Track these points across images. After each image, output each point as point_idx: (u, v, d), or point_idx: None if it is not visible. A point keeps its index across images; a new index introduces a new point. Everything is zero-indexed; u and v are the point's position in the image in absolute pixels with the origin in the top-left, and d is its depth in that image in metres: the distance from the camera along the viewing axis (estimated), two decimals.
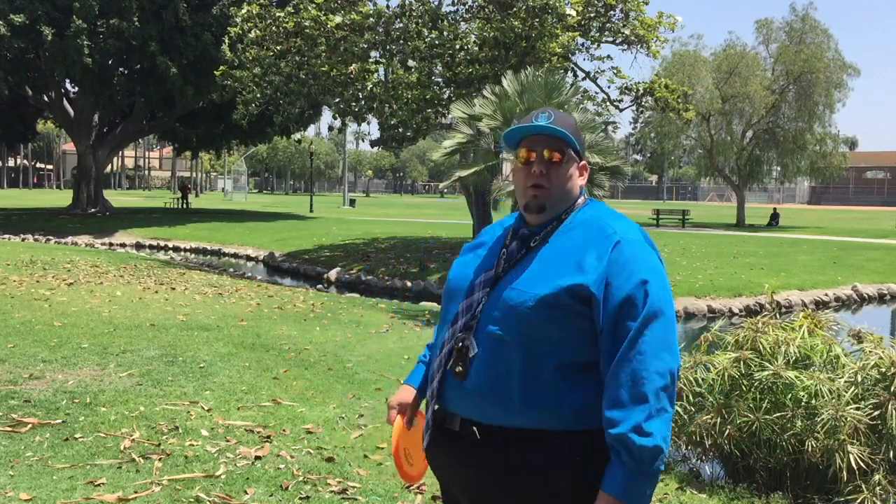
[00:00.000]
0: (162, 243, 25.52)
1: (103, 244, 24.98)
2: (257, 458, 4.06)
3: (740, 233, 29.95)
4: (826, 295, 15.43)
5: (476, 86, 14.94)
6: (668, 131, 35.63)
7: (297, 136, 40.73)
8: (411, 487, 3.83)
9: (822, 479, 4.24)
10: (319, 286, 16.56)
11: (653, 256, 1.79)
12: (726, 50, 35.16)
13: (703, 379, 4.59)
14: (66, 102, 33.64)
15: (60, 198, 45.26)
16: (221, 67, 19.07)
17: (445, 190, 55.22)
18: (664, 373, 1.67)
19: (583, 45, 18.21)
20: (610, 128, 21.45)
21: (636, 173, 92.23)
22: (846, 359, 4.53)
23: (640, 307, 1.68)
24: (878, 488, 4.04)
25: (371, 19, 16.38)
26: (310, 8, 16.45)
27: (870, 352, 4.48)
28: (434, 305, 12.72)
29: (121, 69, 31.16)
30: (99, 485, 3.60)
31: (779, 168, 38.96)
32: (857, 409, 4.14)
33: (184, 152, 47.33)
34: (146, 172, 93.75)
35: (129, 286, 10.91)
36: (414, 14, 16.35)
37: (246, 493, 3.61)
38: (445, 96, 17.21)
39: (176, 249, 24.85)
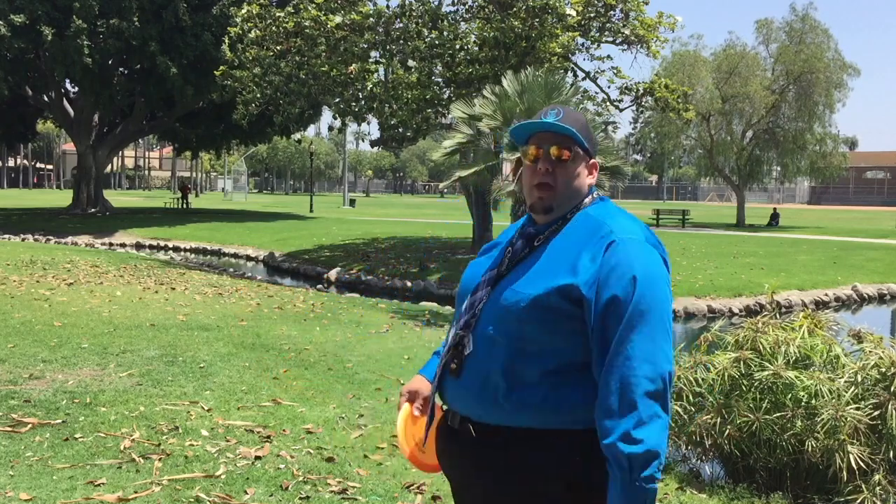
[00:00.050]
0: (162, 243, 25.51)
1: (103, 244, 24.98)
2: (257, 458, 4.06)
3: (740, 233, 29.95)
4: (826, 295, 15.43)
5: (476, 86, 14.94)
6: (668, 131, 35.63)
7: (297, 136, 40.74)
8: (411, 487, 3.83)
9: (822, 479, 4.24)
10: (319, 286, 16.57)
11: (650, 256, 1.73)
12: (726, 50, 35.16)
13: (703, 379, 4.59)
14: (66, 102, 33.64)
15: (60, 198, 45.26)
16: (221, 67, 19.07)
17: (445, 190, 55.21)
18: (655, 377, 1.62)
19: (583, 45, 18.21)
20: (610, 128, 21.46)
21: (636, 173, 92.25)
22: (846, 359, 4.53)
23: (627, 309, 1.64)
24: (878, 488, 4.04)
25: (371, 19, 16.38)
26: (310, 8, 16.45)
27: (870, 352, 4.48)
28: (434, 305, 12.72)
29: (121, 69, 31.16)
30: (99, 485, 3.60)
31: (779, 168, 38.96)
32: (857, 409, 4.14)
33: (184, 152, 47.35)
34: (146, 172, 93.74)
35: (129, 286, 10.91)
36: (414, 14, 16.35)
37: (246, 493, 3.61)
38: (445, 96, 17.21)
39: (176, 249, 24.85)
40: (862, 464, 4.02)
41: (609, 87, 20.80)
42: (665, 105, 18.47)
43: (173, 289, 10.94)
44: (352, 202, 49.89)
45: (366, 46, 16.86)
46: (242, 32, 17.77)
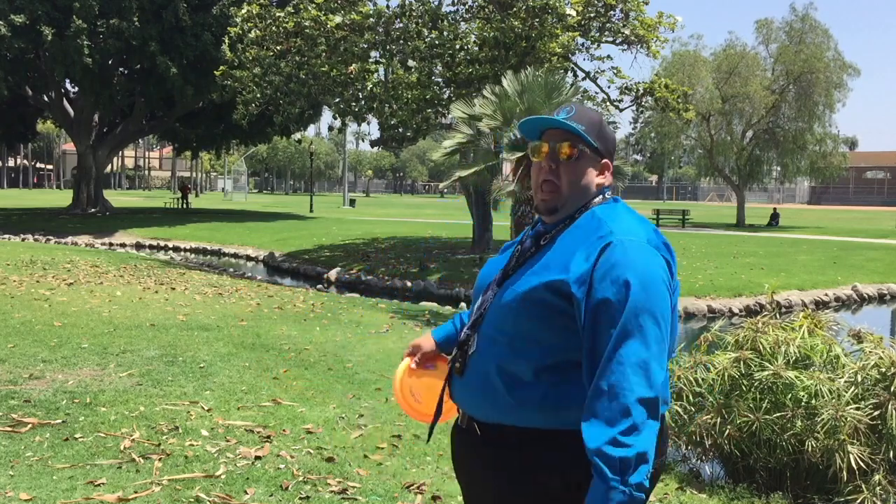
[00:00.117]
0: (162, 243, 25.51)
1: (103, 244, 24.98)
2: (257, 458, 4.06)
3: (740, 233, 29.95)
4: (826, 295, 15.43)
5: (476, 86, 14.94)
6: (668, 131, 35.63)
7: (297, 136, 40.75)
8: (411, 487, 3.83)
9: (822, 479, 4.24)
10: (319, 286, 16.56)
11: (649, 259, 1.68)
12: (726, 50, 35.16)
13: (703, 379, 4.59)
14: (66, 102, 33.64)
15: (60, 198, 45.26)
16: (221, 67, 19.07)
17: (445, 190, 55.23)
18: (648, 384, 1.58)
19: (583, 45, 18.22)
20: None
21: (636, 173, 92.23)
22: (846, 359, 4.53)
23: (621, 313, 1.60)
24: (878, 488, 4.04)
25: (371, 19, 16.38)
26: (310, 8, 16.45)
27: (870, 352, 4.48)
28: (434, 305, 12.72)
29: (121, 69, 31.17)
30: (99, 485, 3.60)
31: (779, 168, 38.95)
32: (857, 409, 4.14)
33: (184, 152, 47.36)
34: (146, 172, 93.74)
35: (129, 286, 10.91)
36: (414, 14, 16.35)
37: (246, 493, 3.61)
38: (445, 96, 17.21)
39: (176, 249, 24.85)
40: (862, 464, 4.02)
41: (609, 87, 20.87)
42: (665, 105, 18.47)
43: (173, 289, 10.94)
44: (352, 202, 49.89)
45: (366, 46, 16.86)
46: (242, 32, 17.78)
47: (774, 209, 38.47)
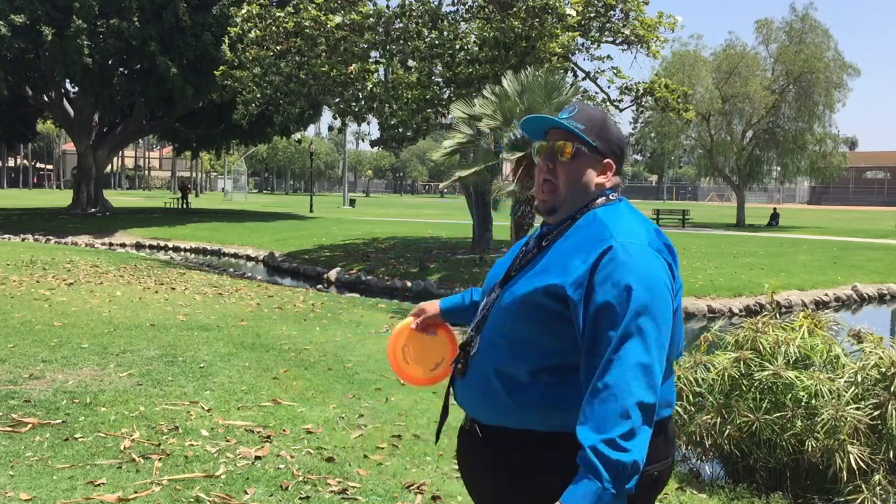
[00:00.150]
0: (162, 243, 25.51)
1: (103, 244, 24.98)
2: (257, 458, 4.06)
3: (740, 233, 29.95)
4: (826, 295, 15.43)
5: (476, 86, 14.94)
6: (668, 131, 35.62)
7: (297, 136, 40.75)
8: (411, 487, 3.83)
9: (822, 479, 4.24)
10: (319, 286, 16.56)
11: (651, 262, 1.66)
12: (726, 50, 35.16)
13: (703, 379, 4.59)
14: (66, 102, 33.64)
15: (60, 198, 45.26)
16: (221, 67, 19.07)
17: (445, 190, 55.22)
18: (648, 389, 1.56)
19: (583, 45, 18.22)
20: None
21: (636, 173, 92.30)
22: (846, 359, 4.53)
23: (621, 317, 1.59)
24: (878, 488, 4.04)
25: (371, 19, 16.38)
26: (310, 8, 16.45)
27: (870, 352, 4.48)
28: None
29: (121, 69, 31.17)
30: (99, 485, 3.60)
31: (779, 168, 38.95)
32: (857, 409, 4.14)
33: (184, 152, 47.37)
34: (146, 172, 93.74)
35: (129, 286, 10.91)
36: (414, 14, 16.35)
37: (246, 493, 3.61)
38: (445, 96, 17.21)
39: (176, 249, 24.85)
40: (862, 464, 4.02)
41: (609, 87, 20.87)
42: (665, 105, 18.47)
43: (173, 289, 10.94)
44: (352, 202, 49.89)
45: (366, 46, 16.86)
46: (242, 32, 17.78)
47: (774, 209, 38.48)
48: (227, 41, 19.98)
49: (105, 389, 5.19)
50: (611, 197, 1.83)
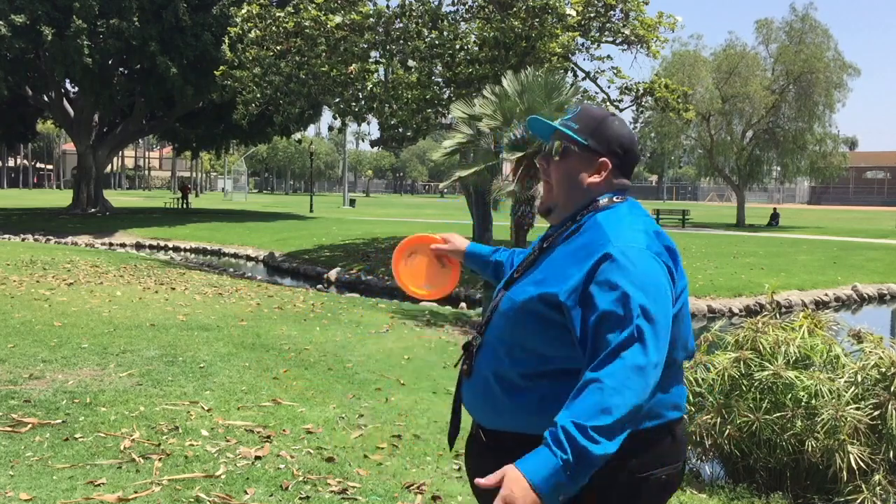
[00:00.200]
0: (162, 243, 25.51)
1: (103, 244, 24.97)
2: (257, 458, 4.06)
3: (740, 233, 29.95)
4: (826, 295, 15.44)
5: (476, 86, 14.93)
6: (668, 131, 35.63)
7: (297, 136, 40.73)
8: (411, 487, 3.83)
9: (822, 479, 4.24)
10: (319, 286, 16.57)
11: (649, 267, 1.63)
12: (726, 50, 35.16)
13: (703, 379, 4.59)
14: (66, 102, 33.64)
15: (60, 198, 45.25)
16: (221, 67, 19.06)
17: (445, 190, 55.20)
18: (639, 390, 1.53)
19: (583, 45, 18.20)
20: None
21: (636, 173, 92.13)
22: (846, 359, 4.53)
23: (620, 322, 1.56)
24: (878, 488, 4.04)
25: (371, 19, 16.37)
26: (310, 8, 16.44)
27: (870, 352, 4.48)
28: (434, 305, 12.71)
29: (121, 69, 31.17)
30: (99, 485, 3.60)
31: (779, 168, 38.96)
32: (857, 409, 4.14)
33: (184, 152, 47.36)
34: (146, 172, 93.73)
35: (129, 286, 10.91)
36: (414, 14, 16.34)
37: (246, 493, 3.61)
38: (445, 96, 17.20)
39: (176, 249, 24.85)
40: (862, 464, 4.02)
41: (609, 87, 20.88)
42: (665, 105, 18.46)
43: (173, 289, 10.94)
44: (352, 202, 49.89)
45: (366, 46, 16.85)
46: (242, 32, 17.77)
47: (774, 209, 38.47)
48: (227, 41, 19.96)
49: (105, 389, 5.19)
50: (614, 199, 1.80)
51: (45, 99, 32.56)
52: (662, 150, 43.35)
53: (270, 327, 8.18)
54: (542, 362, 1.71)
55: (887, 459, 4.17)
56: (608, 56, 19.42)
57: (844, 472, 4.03)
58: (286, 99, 18.20)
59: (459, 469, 4.17)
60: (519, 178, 9.60)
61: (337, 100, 18.44)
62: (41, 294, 9.44)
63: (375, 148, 30.67)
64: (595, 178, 1.81)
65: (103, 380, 5.45)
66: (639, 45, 17.77)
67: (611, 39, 18.19)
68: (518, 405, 1.72)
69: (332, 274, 18.06)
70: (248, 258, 22.81)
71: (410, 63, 16.95)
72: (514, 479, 1.51)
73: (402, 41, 16.47)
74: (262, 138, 37.16)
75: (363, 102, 17.84)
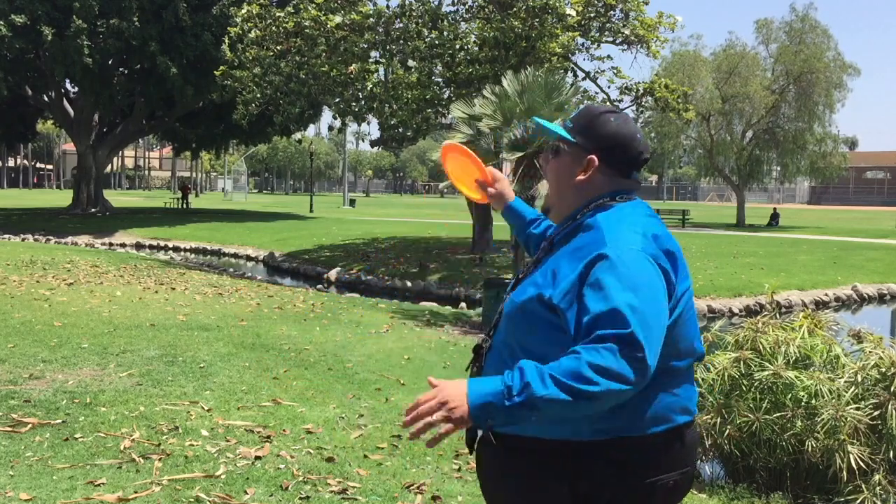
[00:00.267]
0: (162, 243, 25.51)
1: (103, 244, 24.97)
2: (257, 458, 4.06)
3: (740, 233, 29.95)
4: (826, 295, 15.44)
5: (476, 86, 14.94)
6: (668, 131, 35.62)
7: (297, 136, 40.76)
8: (411, 487, 3.83)
9: (822, 479, 4.24)
10: (319, 286, 16.57)
11: (642, 269, 1.61)
12: (726, 50, 35.17)
13: (703, 379, 4.59)
14: (66, 102, 33.65)
15: (60, 198, 45.25)
16: (221, 67, 19.07)
17: (445, 190, 55.19)
18: (615, 380, 1.49)
19: (583, 45, 18.21)
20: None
21: None
22: (846, 359, 4.53)
23: (611, 324, 1.53)
24: (878, 488, 4.04)
25: (371, 19, 16.38)
26: (310, 8, 16.45)
27: (870, 352, 4.48)
28: (434, 305, 12.72)
29: (121, 69, 31.17)
30: (99, 485, 3.60)
31: (779, 168, 38.96)
32: (857, 409, 4.14)
33: (183, 152, 47.37)
34: (146, 172, 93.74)
35: (129, 286, 10.91)
36: (414, 14, 16.34)
37: (246, 493, 3.61)
38: (445, 96, 17.21)
39: (176, 249, 24.86)
40: (862, 464, 4.02)
41: (609, 87, 20.86)
42: (665, 105, 18.47)
43: (173, 289, 10.94)
44: (352, 202, 49.89)
45: (366, 46, 16.86)
46: (242, 32, 17.77)
47: (774, 209, 38.48)
48: (227, 41, 19.98)
49: (105, 389, 5.19)
50: (617, 199, 1.78)
51: (45, 99, 32.57)
52: (662, 150, 43.31)
53: (270, 327, 8.19)
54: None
55: (887, 459, 4.17)
56: (608, 56, 19.43)
57: (844, 472, 4.03)
58: (286, 99, 18.20)
59: (459, 469, 4.17)
60: (519, 178, 9.59)
61: (337, 100, 18.45)
62: (41, 294, 9.44)
63: (375, 148, 30.68)
64: (581, 176, 1.79)
65: (103, 380, 5.45)
66: (639, 45, 17.78)
67: (611, 39, 18.20)
68: None
69: (332, 274, 18.06)
70: (248, 258, 22.81)
71: (410, 63, 16.95)
72: (456, 385, 1.56)
73: (402, 41, 16.47)
74: (262, 138, 37.17)
75: (363, 102, 17.84)
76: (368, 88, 17.46)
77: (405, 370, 6.64)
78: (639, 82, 18.71)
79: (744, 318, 8.23)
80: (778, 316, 4.96)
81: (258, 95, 17.97)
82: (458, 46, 16.04)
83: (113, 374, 5.62)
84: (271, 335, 7.70)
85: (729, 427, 4.34)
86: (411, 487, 3.82)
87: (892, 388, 4.21)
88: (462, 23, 17.24)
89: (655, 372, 1.68)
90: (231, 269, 18.93)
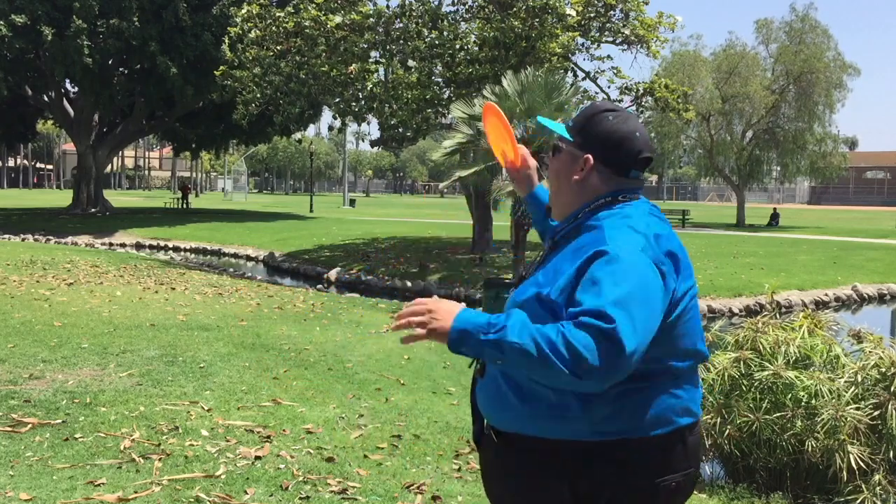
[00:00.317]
0: (162, 243, 25.51)
1: (103, 244, 24.98)
2: (257, 458, 4.06)
3: (740, 233, 29.95)
4: (826, 295, 15.43)
5: (476, 86, 14.94)
6: (668, 131, 35.63)
7: (297, 136, 40.76)
8: (411, 487, 3.83)
9: (822, 479, 4.24)
10: (319, 286, 16.57)
11: (638, 268, 1.60)
12: (726, 50, 35.17)
13: (703, 379, 4.59)
14: (66, 102, 33.65)
15: (60, 198, 45.26)
16: (221, 67, 19.08)
17: (445, 190, 55.23)
18: (591, 364, 1.49)
19: (583, 45, 18.21)
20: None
21: None
22: (846, 359, 4.53)
23: (599, 317, 1.52)
24: (878, 488, 4.04)
25: (371, 19, 16.38)
26: (310, 8, 16.45)
27: (870, 352, 4.48)
28: None
29: (121, 69, 31.18)
30: (99, 485, 3.60)
31: (779, 168, 38.97)
32: (857, 409, 4.14)
33: (183, 152, 47.39)
34: (146, 172, 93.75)
35: (129, 286, 10.91)
36: (414, 14, 16.34)
37: (246, 493, 3.61)
38: (445, 96, 17.21)
39: (176, 249, 24.86)
40: (862, 464, 4.02)
41: (609, 87, 20.86)
42: (665, 105, 18.47)
43: (173, 289, 10.94)
44: (352, 202, 49.90)
45: (366, 46, 16.86)
46: (242, 32, 17.78)
47: (774, 209, 38.48)
48: (227, 41, 19.98)
49: (105, 389, 5.19)
50: (620, 199, 1.77)
51: (45, 99, 32.57)
52: (662, 150, 43.31)
53: (270, 327, 8.18)
54: None
55: (887, 459, 4.17)
56: (608, 56, 19.43)
57: (844, 472, 4.03)
58: (286, 99, 18.21)
59: (459, 469, 4.17)
60: None
61: (337, 100, 18.45)
62: (41, 294, 9.44)
63: (375, 148, 30.69)
64: (577, 176, 1.79)
65: (103, 380, 5.45)
66: (639, 45, 17.78)
67: (611, 39, 18.20)
68: (527, 408, 1.71)
69: (332, 274, 18.06)
70: (248, 258, 22.81)
71: (410, 63, 16.95)
72: (451, 305, 1.65)
73: (402, 41, 16.47)
74: (262, 138, 37.17)
75: (363, 102, 17.84)
76: (368, 88, 17.47)
77: (405, 370, 6.64)
78: (639, 82, 18.71)
79: (744, 318, 8.24)
80: (778, 316, 4.96)
81: (258, 95, 17.97)
82: (458, 46, 16.04)
83: (113, 374, 5.62)
84: (271, 335, 7.70)
85: (729, 427, 4.34)
86: (411, 487, 3.82)
87: (892, 388, 4.21)
88: (462, 23, 17.24)
89: (656, 373, 1.68)
90: (231, 269, 18.93)
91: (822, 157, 35.70)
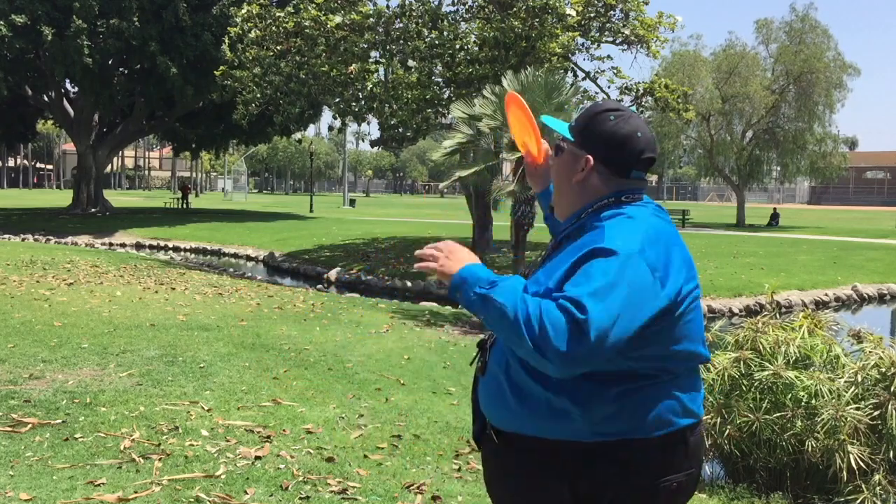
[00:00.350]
0: (162, 243, 25.51)
1: (103, 244, 24.97)
2: (257, 458, 4.06)
3: (740, 233, 29.95)
4: (826, 295, 15.43)
5: (476, 86, 14.93)
6: (668, 131, 35.62)
7: (297, 136, 40.76)
8: (411, 487, 3.83)
9: (822, 479, 4.24)
10: (319, 286, 16.57)
11: (631, 267, 1.59)
12: (726, 50, 35.17)
13: (703, 379, 4.59)
14: (66, 102, 33.65)
15: (60, 198, 45.25)
16: (221, 67, 19.07)
17: (445, 190, 55.24)
18: (559, 345, 1.50)
19: (583, 45, 18.20)
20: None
21: None
22: (846, 359, 4.53)
23: (579, 308, 1.52)
24: (878, 488, 4.04)
25: (371, 19, 16.38)
26: (310, 8, 16.45)
27: (870, 352, 4.48)
28: (434, 305, 12.71)
29: (121, 69, 31.18)
30: (99, 485, 3.60)
31: (779, 168, 38.97)
32: (857, 409, 4.14)
33: (183, 152, 47.39)
34: (146, 172, 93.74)
35: (129, 286, 10.91)
36: (414, 14, 16.34)
37: (246, 493, 3.61)
38: (445, 96, 17.20)
39: (176, 249, 24.85)
40: (862, 464, 4.02)
41: (609, 87, 20.77)
42: (665, 105, 18.46)
43: (173, 289, 10.94)
44: (352, 202, 49.90)
45: (366, 46, 16.86)
46: (242, 32, 17.77)
47: (774, 209, 38.48)
48: (227, 41, 19.98)
49: (105, 389, 5.19)
50: (623, 199, 1.76)
51: (45, 99, 32.57)
52: (662, 150, 43.33)
53: (270, 327, 8.18)
54: None
55: (887, 459, 4.17)
56: (608, 56, 19.43)
57: (844, 472, 4.03)
58: (286, 99, 18.20)
59: (459, 469, 4.17)
60: (519, 178, 9.60)
61: (337, 100, 18.45)
62: (41, 294, 9.44)
63: (375, 148, 30.70)
64: (578, 176, 1.79)
65: (103, 380, 5.45)
66: (639, 45, 17.77)
67: (611, 39, 18.19)
68: (526, 407, 1.71)
69: (332, 274, 18.06)
70: (248, 258, 22.81)
71: (410, 63, 16.95)
72: (467, 254, 1.76)
73: (402, 41, 16.47)
74: (262, 138, 37.17)
75: (363, 102, 17.84)
76: (368, 88, 17.46)
77: (405, 370, 6.64)
78: (639, 82, 18.71)
79: (744, 318, 8.24)
80: (778, 316, 4.96)
81: (258, 95, 17.97)
82: (458, 46, 16.03)
83: (113, 374, 5.62)
84: (271, 335, 7.70)
85: (729, 427, 4.34)
86: (411, 487, 3.82)
87: (892, 388, 4.21)
88: (462, 23, 17.24)
89: (656, 374, 1.68)
90: (231, 269, 18.93)
91: (822, 157, 35.70)
